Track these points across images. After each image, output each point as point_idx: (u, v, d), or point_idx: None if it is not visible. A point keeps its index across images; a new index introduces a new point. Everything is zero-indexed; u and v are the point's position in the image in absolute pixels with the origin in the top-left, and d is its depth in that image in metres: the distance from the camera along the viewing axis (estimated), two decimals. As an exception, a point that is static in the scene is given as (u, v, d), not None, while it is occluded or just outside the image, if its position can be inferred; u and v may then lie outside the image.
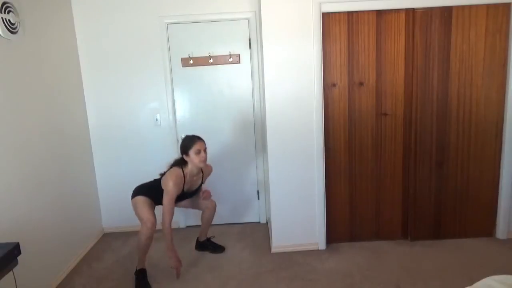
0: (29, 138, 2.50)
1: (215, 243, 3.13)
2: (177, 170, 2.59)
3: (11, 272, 1.78)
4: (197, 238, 3.13)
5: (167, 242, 2.56)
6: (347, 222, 3.05)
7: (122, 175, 3.46)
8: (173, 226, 3.54)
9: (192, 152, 2.55)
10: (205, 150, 2.60)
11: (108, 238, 3.43)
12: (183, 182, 2.60)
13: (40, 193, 2.58)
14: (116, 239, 3.39)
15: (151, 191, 2.68)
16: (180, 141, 2.87)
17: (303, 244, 3.01)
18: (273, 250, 3.00)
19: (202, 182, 2.82)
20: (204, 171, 2.78)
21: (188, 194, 2.76)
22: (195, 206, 2.98)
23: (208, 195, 2.91)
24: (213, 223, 3.57)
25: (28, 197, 2.45)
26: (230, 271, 2.76)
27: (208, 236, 3.13)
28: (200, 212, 3.01)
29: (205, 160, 2.61)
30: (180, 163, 2.64)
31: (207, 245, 3.09)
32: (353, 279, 2.56)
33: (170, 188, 2.51)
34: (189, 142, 2.58)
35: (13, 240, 2.13)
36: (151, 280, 2.65)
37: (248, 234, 3.38)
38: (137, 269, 2.67)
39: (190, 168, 2.61)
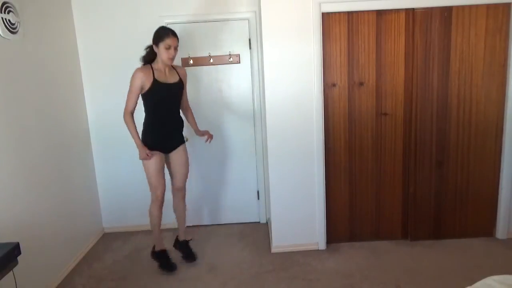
0: (29, 138, 2.50)
1: (189, 250, 2.92)
2: (144, 66, 2.56)
3: (11, 272, 1.78)
4: (177, 236, 2.96)
5: (131, 132, 2.53)
6: (347, 222, 3.05)
7: (122, 174, 3.45)
8: (170, 226, 3.47)
9: (162, 45, 2.44)
10: (175, 48, 2.49)
11: (108, 238, 3.43)
12: (151, 74, 2.50)
13: (40, 193, 2.58)
14: (116, 239, 3.39)
15: (160, 135, 2.63)
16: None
17: (303, 244, 3.01)
18: (273, 250, 3.00)
19: (182, 83, 2.68)
20: (178, 71, 2.67)
21: (170, 88, 2.61)
22: (173, 169, 2.80)
23: (210, 137, 2.88)
24: (213, 223, 3.59)
25: (28, 197, 2.45)
26: (230, 271, 2.76)
27: (187, 239, 2.96)
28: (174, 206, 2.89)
29: (173, 58, 2.50)
30: (150, 59, 2.57)
31: (182, 248, 2.92)
32: (353, 279, 2.56)
33: (135, 74, 2.48)
34: (162, 34, 2.46)
35: (13, 240, 2.13)
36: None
37: (248, 234, 3.38)
38: (156, 250, 2.67)
39: (159, 64, 2.54)
